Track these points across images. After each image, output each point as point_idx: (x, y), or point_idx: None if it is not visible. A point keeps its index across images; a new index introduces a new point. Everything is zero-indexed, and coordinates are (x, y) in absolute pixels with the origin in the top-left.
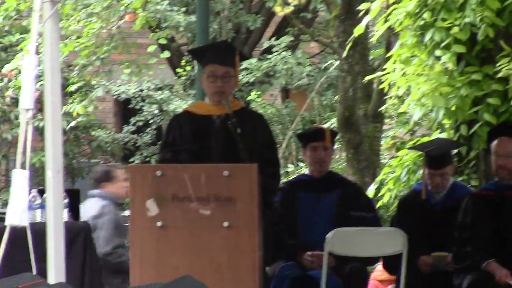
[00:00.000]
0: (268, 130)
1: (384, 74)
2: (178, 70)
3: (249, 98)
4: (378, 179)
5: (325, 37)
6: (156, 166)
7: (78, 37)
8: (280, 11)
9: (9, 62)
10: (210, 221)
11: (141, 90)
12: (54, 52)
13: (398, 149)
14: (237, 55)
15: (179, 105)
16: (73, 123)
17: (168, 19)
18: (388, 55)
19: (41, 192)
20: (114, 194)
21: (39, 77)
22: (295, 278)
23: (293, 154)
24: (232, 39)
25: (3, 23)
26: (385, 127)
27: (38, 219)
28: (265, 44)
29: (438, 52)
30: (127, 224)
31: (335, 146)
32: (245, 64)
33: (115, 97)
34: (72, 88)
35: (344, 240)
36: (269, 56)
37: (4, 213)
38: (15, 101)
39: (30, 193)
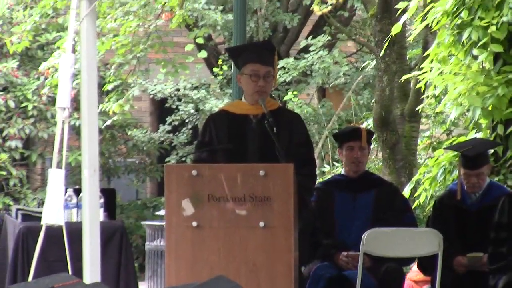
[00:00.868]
0: (304, 130)
1: (421, 74)
2: (215, 69)
3: (285, 97)
4: (414, 179)
5: (362, 36)
6: (192, 166)
7: (115, 36)
8: (318, 11)
9: (45, 60)
10: (246, 221)
11: (178, 89)
12: (91, 50)
13: (434, 149)
14: (276, 55)
15: (215, 105)
16: (108, 122)
17: (205, 17)
18: (425, 54)
19: (77, 192)
20: None
21: (76, 75)
22: (331, 278)
23: (329, 154)
24: (269, 38)
25: (40, 21)
26: (421, 126)
27: (74, 218)
28: (302, 43)
29: (475, 51)
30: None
31: (372, 146)
32: (282, 63)
33: (151, 96)
34: (109, 87)
35: (379, 241)
36: (306, 55)
37: (40, 212)
38: (51, 100)
39: (66, 192)
